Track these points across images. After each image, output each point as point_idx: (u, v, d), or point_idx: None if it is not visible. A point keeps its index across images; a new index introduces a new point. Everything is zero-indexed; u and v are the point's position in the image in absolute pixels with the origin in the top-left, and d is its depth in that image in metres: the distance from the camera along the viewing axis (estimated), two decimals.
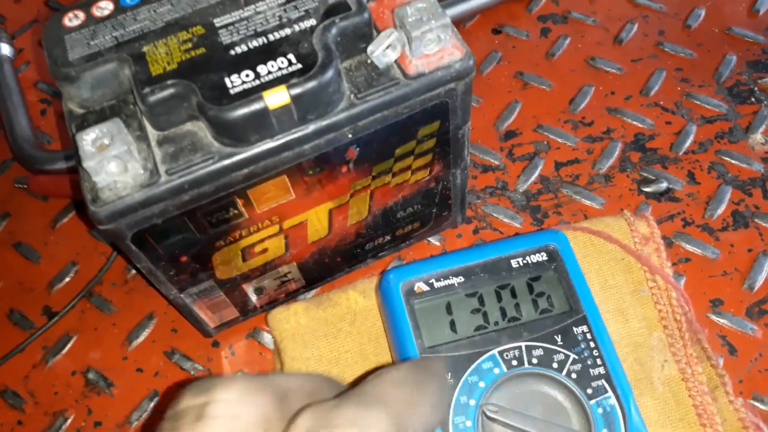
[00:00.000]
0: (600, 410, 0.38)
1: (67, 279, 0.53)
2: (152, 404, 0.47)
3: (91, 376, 0.49)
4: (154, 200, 0.33)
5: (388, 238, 0.48)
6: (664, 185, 0.52)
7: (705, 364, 0.44)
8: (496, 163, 0.55)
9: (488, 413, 0.37)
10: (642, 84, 0.58)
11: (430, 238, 0.52)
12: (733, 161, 0.53)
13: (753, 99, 0.56)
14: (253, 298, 0.47)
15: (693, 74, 0.58)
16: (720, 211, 0.51)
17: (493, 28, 0.63)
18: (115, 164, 0.32)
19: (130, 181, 0.33)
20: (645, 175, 0.53)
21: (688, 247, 0.49)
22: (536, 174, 0.54)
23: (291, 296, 0.49)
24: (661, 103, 0.57)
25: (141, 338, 0.50)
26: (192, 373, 0.48)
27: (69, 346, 0.50)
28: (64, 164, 0.56)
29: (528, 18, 0.63)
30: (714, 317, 0.47)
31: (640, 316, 0.45)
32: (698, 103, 0.56)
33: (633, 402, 0.38)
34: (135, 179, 0.33)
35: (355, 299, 0.46)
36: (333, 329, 0.45)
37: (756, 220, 0.50)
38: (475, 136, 0.56)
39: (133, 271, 0.53)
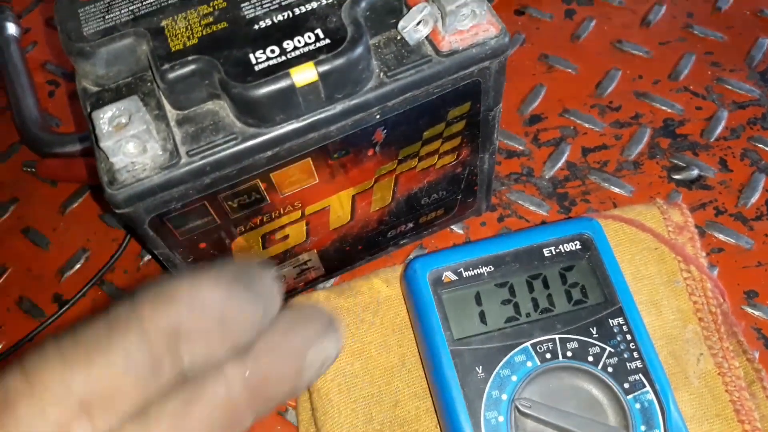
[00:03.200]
0: (638, 405, 0.36)
1: (78, 266, 0.52)
2: None
3: None
4: (174, 183, 0.32)
5: (410, 225, 0.46)
6: (695, 172, 0.50)
7: (741, 358, 0.42)
8: (521, 148, 0.53)
9: (521, 408, 0.36)
10: (671, 68, 0.56)
11: (453, 226, 0.50)
12: (767, 148, 0.51)
13: None
14: None
15: (724, 58, 0.56)
16: (754, 199, 0.49)
17: (516, 9, 0.61)
18: (134, 144, 0.31)
19: (149, 163, 0.31)
20: (675, 162, 0.51)
21: (721, 237, 0.48)
22: (563, 160, 0.52)
23: (309, 285, 0.48)
24: (691, 87, 0.55)
25: None
26: None
27: None
28: (73, 147, 0.54)
29: None
30: (749, 309, 0.45)
31: (674, 307, 0.43)
32: (729, 87, 0.54)
33: (672, 397, 0.36)
34: (154, 161, 0.31)
35: (379, 288, 0.44)
36: (355, 319, 0.43)
37: None
38: None
39: (146, 258, 0.51)
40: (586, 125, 0.53)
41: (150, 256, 0.51)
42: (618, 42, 0.58)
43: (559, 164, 0.52)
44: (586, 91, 0.55)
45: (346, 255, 0.46)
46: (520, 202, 0.50)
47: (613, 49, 0.58)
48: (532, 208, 0.50)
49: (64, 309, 0.49)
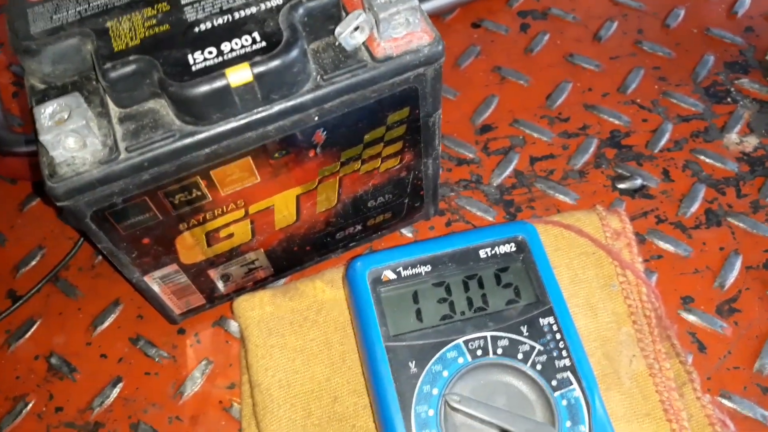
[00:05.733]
0: (564, 402, 0.37)
1: (33, 263, 0.53)
2: (115, 390, 0.46)
3: (53, 360, 0.48)
4: (114, 177, 0.33)
5: (359, 227, 0.48)
6: (638, 182, 0.52)
7: (674, 360, 0.43)
8: (471, 156, 0.55)
9: (451, 403, 0.37)
10: (620, 81, 0.58)
11: (402, 230, 0.51)
12: (707, 160, 0.53)
13: (729, 99, 0.56)
14: (220, 285, 0.46)
15: (670, 73, 0.58)
16: (693, 209, 0.51)
17: (473, 22, 0.63)
18: (73, 139, 0.32)
19: (89, 157, 0.32)
20: (620, 171, 0.53)
21: (661, 244, 0.49)
22: (511, 168, 0.54)
23: (259, 284, 0.49)
24: (638, 100, 0.57)
25: (106, 324, 0.49)
26: (156, 360, 0.47)
27: (32, 330, 0.49)
28: (34, 147, 0.55)
29: (508, 13, 0.63)
30: (684, 314, 0.46)
31: (609, 310, 0.45)
32: (675, 101, 0.56)
33: (597, 394, 0.37)
34: (94, 155, 0.32)
35: (322, 289, 0.45)
36: (299, 318, 0.44)
37: (728, 219, 0.50)
38: (451, 129, 0.56)
39: (101, 257, 0.52)
40: (535, 135, 0.55)
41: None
42: (570, 56, 0.60)
43: (507, 172, 0.53)
44: (537, 102, 0.57)
45: (294, 255, 0.47)
46: (468, 207, 0.52)
47: (565, 62, 0.59)
48: (479, 213, 0.52)
49: (17, 304, 0.50)
